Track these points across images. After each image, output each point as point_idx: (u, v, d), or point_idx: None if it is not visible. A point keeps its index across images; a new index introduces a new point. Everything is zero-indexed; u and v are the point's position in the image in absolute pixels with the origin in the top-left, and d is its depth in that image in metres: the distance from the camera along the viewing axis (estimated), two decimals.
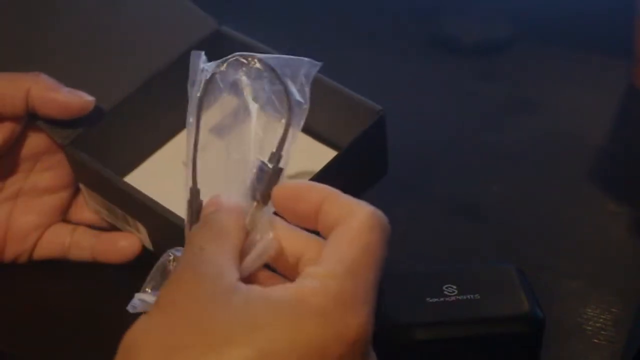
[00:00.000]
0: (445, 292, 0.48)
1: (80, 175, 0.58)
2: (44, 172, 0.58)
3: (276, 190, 0.40)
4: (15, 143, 0.56)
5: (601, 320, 0.53)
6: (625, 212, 0.63)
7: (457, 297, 0.48)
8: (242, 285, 0.35)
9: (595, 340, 0.52)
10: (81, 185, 0.59)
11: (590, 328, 0.53)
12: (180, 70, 0.61)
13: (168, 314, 0.35)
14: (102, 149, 0.57)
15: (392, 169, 0.60)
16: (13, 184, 0.58)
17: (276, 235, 0.39)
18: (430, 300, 0.48)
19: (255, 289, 0.35)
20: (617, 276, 0.57)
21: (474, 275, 0.49)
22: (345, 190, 0.38)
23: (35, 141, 0.57)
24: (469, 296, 0.48)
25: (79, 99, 0.55)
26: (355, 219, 0.37)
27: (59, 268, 0.60)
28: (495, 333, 0.47)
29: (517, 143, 0.69)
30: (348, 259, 0.36)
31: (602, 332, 0.52)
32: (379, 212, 0.37)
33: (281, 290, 0.35)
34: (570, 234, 0.60)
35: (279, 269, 0.40)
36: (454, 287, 0.48)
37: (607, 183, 0.65)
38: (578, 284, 0.56)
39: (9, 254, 0.58)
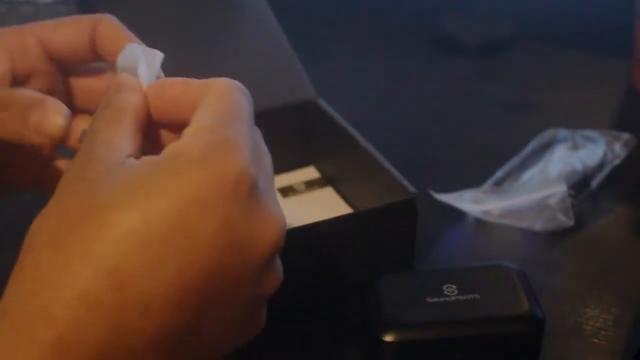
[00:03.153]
0: (445, 292, 0.48)
1: None
2: None
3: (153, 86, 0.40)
4: None
5: (601, 320, 0.53)
6: (625, 212, 0.63)
7: (457, 297, 0.48)
8: (132, 159, 0.35)
9: (595, 340, 0.52)
10: None
11: (590, 328, 0.53)
12: None
13: (59, 201, 0.35)
14: None
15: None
16: None
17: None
18: (430, 300, 0.48)
19: (144, 158, 0.35)
20: (617, 276, 0.57)
21: (474, 275, 0.50)
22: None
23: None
24: (469, 296, 0.48)
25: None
26: (215, 86, 0.38)
27: None
28: (495, 333, 0.47)
29: (517, 143, 0.69)
30: (217, 111, 0.36)
31: (602, 332, 0.52)
32: (234, 80, 0.38)
33: (163, 152, 0.35)
34: (571, 234, 0.60)
35: None
36: (454, 287, 0.48)
37: (607, 183, 0.65)
38: (578, 284, 0.56)
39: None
